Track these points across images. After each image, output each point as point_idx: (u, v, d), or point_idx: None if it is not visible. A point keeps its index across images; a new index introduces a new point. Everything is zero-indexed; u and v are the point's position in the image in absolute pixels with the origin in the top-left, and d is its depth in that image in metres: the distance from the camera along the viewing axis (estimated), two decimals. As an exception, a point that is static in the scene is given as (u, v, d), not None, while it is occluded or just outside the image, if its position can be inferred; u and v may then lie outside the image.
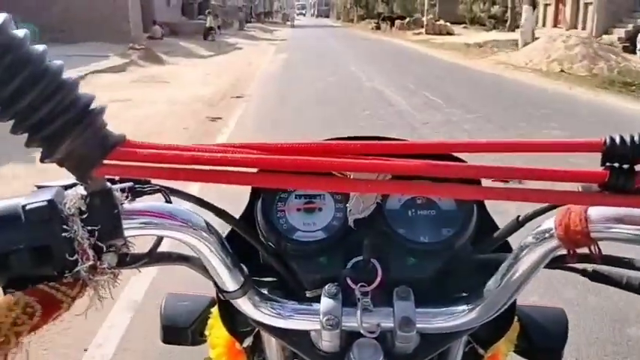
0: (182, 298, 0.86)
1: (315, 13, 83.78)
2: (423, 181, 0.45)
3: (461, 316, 0.54)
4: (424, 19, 26.79)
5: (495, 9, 28.29)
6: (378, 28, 33.93)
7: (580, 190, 0.41)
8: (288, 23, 45.18)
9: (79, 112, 0.35)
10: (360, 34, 29.90)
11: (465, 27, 27.57)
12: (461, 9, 30.58)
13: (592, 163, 0.41)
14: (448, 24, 26.15)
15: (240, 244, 0.57)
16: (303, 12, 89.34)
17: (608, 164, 0.39)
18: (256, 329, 0.63)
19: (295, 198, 0.62)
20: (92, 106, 0.36)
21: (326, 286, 0.54)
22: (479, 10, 29.08)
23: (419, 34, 26.21)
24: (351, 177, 0.48)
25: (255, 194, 0.63)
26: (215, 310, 0.76)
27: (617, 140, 0.38)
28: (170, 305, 0.85)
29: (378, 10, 50.35)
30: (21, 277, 0.38)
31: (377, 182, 0.46)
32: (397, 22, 30.82)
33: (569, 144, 0.40)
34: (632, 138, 0.38)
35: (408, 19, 30.47)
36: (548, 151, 0.41)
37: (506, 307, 0.52)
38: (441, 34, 25.22)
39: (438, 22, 26.20)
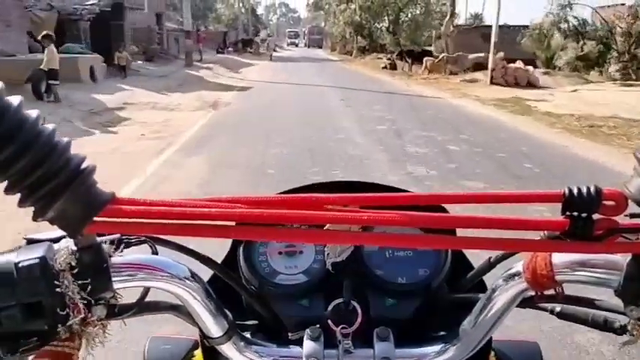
0: (165, 341, 0.86)
1: (307, 42, 69.93)
2: (397, 232, 0.50)
3: (439, 355, 0.55)
4: (489, 58, 14.94)
5: (590, 46, 17.50)
6: (392, 67, 23.70)
7: (545, 237, 0.44)
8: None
9: (71, 173, 0.37)
10: (369, 77, 19.48)
11: (546, 72, 16.78)
12: (526, 45, 19.42)
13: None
14: (530, 68, 15.36)
15: (223, 287, 0.58)
16: (296, 41, 77.59)
17: (568, 213, 0.41)
18: None
19: (276, 242, 0.64)
20: (83, 166, 0.38)
21: (308, 329, 0.55)
22: (572, 51, 17.58)
23: (473, 81, 15.62)
24: (328, 227, 0.50)
25: (237, 240, 0.65)
26: (198, 352, 0.77)
27: (575, 191, 0.41)
28: (153, 349, 0.85)
29: (383, 40, 39.17)
30: (10, 333, 0.38)
31: (352, 234, 0.48)
32: (426, 59, 19.96)
33: (531, 195, 0.43)
34: (588, 189, 0.41)
35: (441, 56, 19.86)
36: (513, 201, 0.43)
37: (481, 345, 0.54)
38: (517, 84, 14.56)
39: (516, 66, 14.98)
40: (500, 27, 17.61)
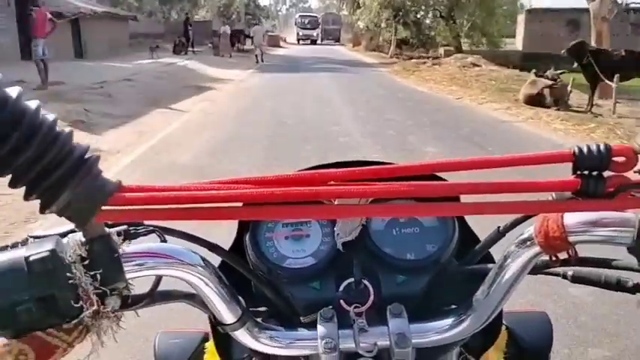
0: (175, 335, 0.86)
1: (320, 34, 46.06)
2: (404, 202, 0.51)
3: (453, 328, 0.55)
4: None
5: None
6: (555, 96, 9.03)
7: (553, 198, 0.44)
8: (276, 51, 22.80)
9: (75, 163, 0.37)
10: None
11: None
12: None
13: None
14: None
15: (232, 275, 0.57)
16: (313, 34, 46.17)
17: (578, 173, 0.41)
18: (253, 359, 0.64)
19: (282, 226, 0.64)
20: (87, 156, 0.38)
21: (321, 311, 0.56)
22: None
23: None
24: (336, 203, 0.49)
25: (243, 226, 0.64)
26: (209, 345, 0.76)
27: (585, 150, 0.41)
28: (163, 343, 0.85)
29: (432, 31, 26.30)
30: (29, 329, 0.38)
31: (360, 207, 0.48)
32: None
33: (541, 156, 0.42)
34: (598, 147, 0.40)
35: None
36: (522, 164, 0.42)
37: (495, 315, 0.54)
38: None
39: None
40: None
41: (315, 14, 53.91)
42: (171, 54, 20.35)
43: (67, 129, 0.37)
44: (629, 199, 0.41)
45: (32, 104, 0.35)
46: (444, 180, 0.52)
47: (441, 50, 27.88)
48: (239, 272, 0.59)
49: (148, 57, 17.99)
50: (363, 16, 27.24)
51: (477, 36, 25.77)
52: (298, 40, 46.08)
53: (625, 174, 0.41)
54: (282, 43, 39.77)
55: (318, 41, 45.05)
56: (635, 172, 0.41)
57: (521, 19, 25.66)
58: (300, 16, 50.60)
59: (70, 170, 0.36)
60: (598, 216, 0.44)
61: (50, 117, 0.36)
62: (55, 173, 0.36)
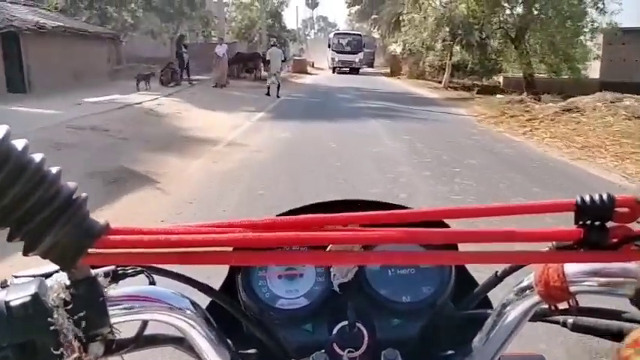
0: None
1: (339, 60, 32.55)
2: (400, 249, 0.48)
3: None
4: None
5: None
6: None
7: (554, 247, 0.42)
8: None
9: (62, 204, 0.36)
10: None
11: None
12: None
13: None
14: None
15: (223, 315, 0.57)
16: (354, 59, 32.34)
17: (581, 222, 0.40)
18: None
19: (276, 265, 0.62)
20: (75, 196, 0.37)
21: (313, 355, 0.55)
22: None
23: None
24: (329, 249, 0.49)
25: (235, 265, 0.63)
26: None
27: (588, 199, 0.40)
28: None
29: (498, 55, 20.00)
30: None
31: (354, 254, 0.48)
32: None
33: (543, 205, 0.41)
34: (601, 197, 0.40)
35: None
36: (524, 213, 0.42)
37: None
38: None
39: None
40: None
41: (357, 32, 37.44)
42: (161, 85, 15.28)
43: (55, 168, 0.36)
44: (632, 251, 0.40)
45: (19, 144, 0.34)
46: (448, 226, 0.53)
47: (500, 78, 22.29)
48: (230, 312, 0.57)
49: (134, 89, 13.69)
50: (409, 37, 21.51)
51: (555, 61, 19.51)
52: (333, 68, 32.01)
53: (628, 225, 0.40)
54: (309, 69, 34.34)
55: (362, 69, 32.32)
56: (638, 222, 0.40)
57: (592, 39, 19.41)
58: (336, 35, 34.76)
59: (56, 212, 0.35)
60: (599, 266, 0.43)
61: (38, 157, 0.35)
62: (41, 215, 0.35)
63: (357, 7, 52.81)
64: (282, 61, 17.36)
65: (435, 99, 16.37)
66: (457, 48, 20.36)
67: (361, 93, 17.32)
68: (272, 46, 16.57)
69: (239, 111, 11.39)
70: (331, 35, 36.54)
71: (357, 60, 32.56)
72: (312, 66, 37.36)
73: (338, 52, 32.74)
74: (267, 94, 15.07)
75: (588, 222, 0.40)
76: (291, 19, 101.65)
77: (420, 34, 20.06)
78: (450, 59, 21.43)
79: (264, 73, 18.67)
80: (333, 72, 32.19)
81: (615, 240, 0.40)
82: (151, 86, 14.33)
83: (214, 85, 16.67)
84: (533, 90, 17.15)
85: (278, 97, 14.81)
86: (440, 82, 23.26)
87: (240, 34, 33.90)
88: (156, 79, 15.11)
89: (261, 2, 31.89)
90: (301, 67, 30.58)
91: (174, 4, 24.27)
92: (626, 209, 0.39)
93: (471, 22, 19.16)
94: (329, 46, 34.37)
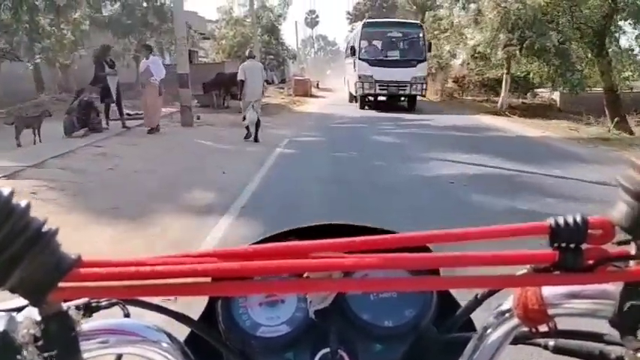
0: None
1: (377, 81, 15.15)
2: (380, 275, 0.49)
3: None
4: None
5: None
6: None
7: (530, 270, 0.42)
8: None
9: (31, 237, 0.35)
10: None
11: None
12: None
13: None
14: None
15: (203, 345, 0.56)
16: (405, 78, 15.18)
17: (556, 245, 0.40)
18: None
19: (253, 295, 0.61)
20: (44, 229, 0.36)
21: None
22: None
23: None
24: (306, 276, 0.48)
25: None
26: None
27: (562, 222, 0.40)
28: None
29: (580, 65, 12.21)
30: None
31: (333, 281, 0.48)
32: None
33: (517, 229, 0.42)
34: (574, 219, 0.40)
35: None
36: (498, 237, 0.42)
37: None
38: None
39: None
40: None
41: (415, 21, 19.76)
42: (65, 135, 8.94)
43: (24, 202, 0.35)
44: (608, 273, 0.40)
45: None
46: (431, 251, 0.52)
47: (555, 95, 17.56)
48: (210, 343, 0.56)
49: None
50: (474, 40, 15.65)
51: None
52: (363, 99, 16.68)
53: (604, 246, 0.40)
54: (313, 90, 28.58)
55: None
56: (613, 243, 0.40)
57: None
58: (369, 26, 17.64)
59: (25, 246, 0.35)
60: (578, 289, 0.43)
61: (5, 191, 0.35)
62: (9, 250, 0.34)
63: (359, 23, 48.20)
64: (266, 82, 11.45)
65: (556, 145, 9.55)
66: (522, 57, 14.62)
67: (411, 132, 11.04)
68: (248, 58, 10.31)
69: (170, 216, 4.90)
70: (358, 28, 18.31)
71: (411, 80, 16.02)
72: (317, 87, 31.65)
73: (375, 64, 16.18)
74: (247, 135, 9.59)
75: (563, 244, 0.40)
76: (290, 35, 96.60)
77: (484, 36, 14.26)
78: (509, 72, 15.63)
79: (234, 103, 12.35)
80: (362, 106, 16.50)
81: (590, 262, 0.40)
82: (41, 138, 8.19)
83: (149, 131, 9.98)
84: (617, 111, 11.41)
85: (257, 140, 9.41)
86: (491, 103, 17.24)
87: (232, 52, 28.29)
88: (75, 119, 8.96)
89: (254, 15, 26.35)
90: (304, 90, 24.67)
91: (134, 13, 18.54)
92: (599, 231, 0.40)
93: (542, 20, 13.31)
94: (352, 53, 17.35)
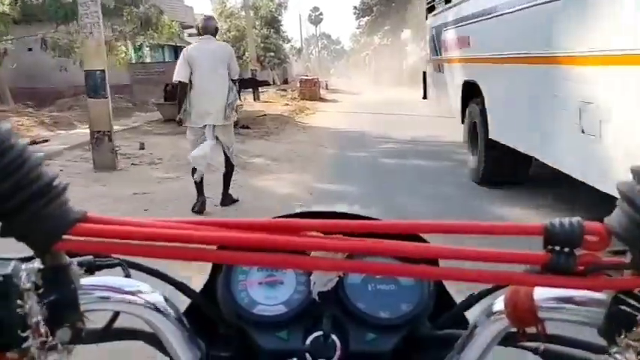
0: None
1: None
2: (381, 260, 0.49)
3: None
4: None
5: None
6: None
7: (526, 269, 0.43)
8: None
9: (41, 188, 0.37)
10: None
11: None
12: None
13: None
14: None
15: (200, 316, 0.57)
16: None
17: (549, 247, 0.40)
18: None
19: (257, 271, 0.63)
20: (55, 183, 0.38)
21: None
22: None
23: None
24: (312, 255, 0.49)
25: (216, 268, 0.64)
26: None
27: (557, 224, 0.40)
28: None
29: None
30: None
31: (336, 261, 0.48)
32: None
33: (512, 227, 0.42)
34: (570, 223, 0.40)
35: None
36: (492, 233, 0.42)
37: None
38: None
39: None
40: None
41: None
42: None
43: (39, 154, 0.37)
44: (599, 280, 0.40)
45: (5, 125, 0.36)
46: (426, 241, 0.54)
47: None
48: (206, 316, 0.58)
49: None
50: None
51: None
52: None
53: (597, 253, 0.40)
54: (322, 92, 23.82)
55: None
56: (607, 251, 0.41)
57: None
58: None
59: (34, 195, 0.36)
60: (569, 294, 0.43)
61: (22, 141, 0.36)
62: (19, 195, 0.36)
63: (366, 19, 43.31)
64: (240, 84, 6.73)
65: None
66: None
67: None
68: (200, 33, 4.85)
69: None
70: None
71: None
72: (327, 88, 26.93)
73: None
74: (197, 202, 4.74)
75: (557, 247, 0.40)
76: (292, 32, 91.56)
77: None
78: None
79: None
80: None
81: (582, 267, 0.40)
82: None
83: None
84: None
85: (225, 204, 4.93)
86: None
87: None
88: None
89: (247, 8, 21.71)
90: (312, 92, 20.03)
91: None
92: (595, 237, 0.40)
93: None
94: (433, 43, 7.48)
